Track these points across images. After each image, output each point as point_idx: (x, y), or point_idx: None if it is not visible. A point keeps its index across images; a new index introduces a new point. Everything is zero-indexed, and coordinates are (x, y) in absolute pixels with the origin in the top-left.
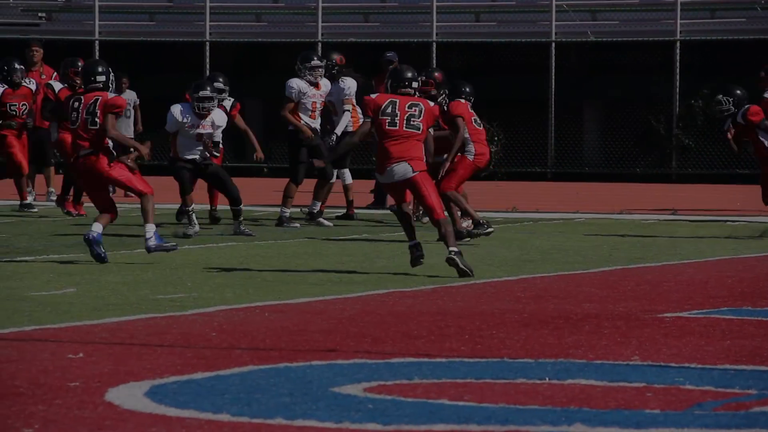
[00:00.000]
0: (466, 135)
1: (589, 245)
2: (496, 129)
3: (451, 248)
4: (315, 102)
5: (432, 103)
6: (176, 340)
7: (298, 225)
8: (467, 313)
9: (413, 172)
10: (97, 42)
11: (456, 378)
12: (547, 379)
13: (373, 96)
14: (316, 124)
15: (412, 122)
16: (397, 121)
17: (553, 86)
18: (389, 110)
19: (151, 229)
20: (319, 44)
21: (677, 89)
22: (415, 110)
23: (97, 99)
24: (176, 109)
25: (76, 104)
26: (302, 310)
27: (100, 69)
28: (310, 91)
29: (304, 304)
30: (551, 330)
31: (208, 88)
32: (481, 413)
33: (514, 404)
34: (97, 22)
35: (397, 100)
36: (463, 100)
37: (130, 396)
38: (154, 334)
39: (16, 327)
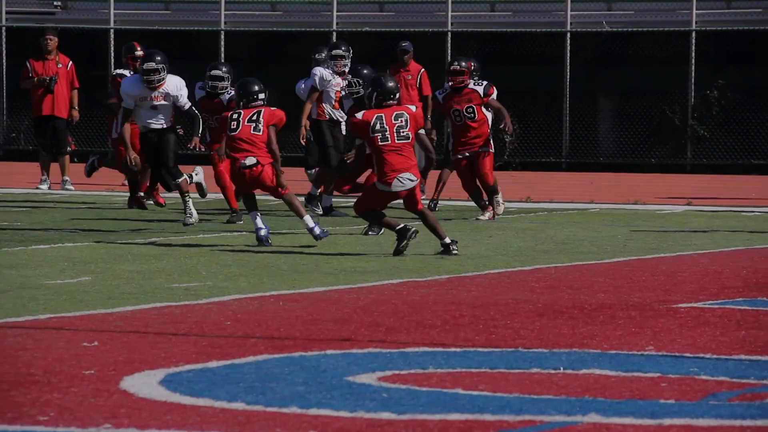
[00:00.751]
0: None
1: (603, 235)
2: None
3: (446, 239)
4: (339, 91)
5: (414, 108)
6: (191, 329)
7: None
8: (481, 303)
9: (416, 179)
10: (112, 30)
11: (470, 368)
12: (561, 369)
13: (359, 117)
14: (339, 114)
15: (401, 133)
16: (388, 136)
17: (568, 76)
18: (378, 126)
19: (309, 220)
20: (334, 34)
21: (692, 79)
22: (401, 120)
23: (260, 111)
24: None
25: (235, 116)
26: (316, 299)
27: (257, 88)
28: (334, 79)
29: (318, 294)
30: (566, 320)
31: (153, 62)
32: (496, 403)
33: (528, 394)
34: (112, 11)
35: (383, 114)
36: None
37: (144, 384)
38: (169, 323)
39: (31, 315)
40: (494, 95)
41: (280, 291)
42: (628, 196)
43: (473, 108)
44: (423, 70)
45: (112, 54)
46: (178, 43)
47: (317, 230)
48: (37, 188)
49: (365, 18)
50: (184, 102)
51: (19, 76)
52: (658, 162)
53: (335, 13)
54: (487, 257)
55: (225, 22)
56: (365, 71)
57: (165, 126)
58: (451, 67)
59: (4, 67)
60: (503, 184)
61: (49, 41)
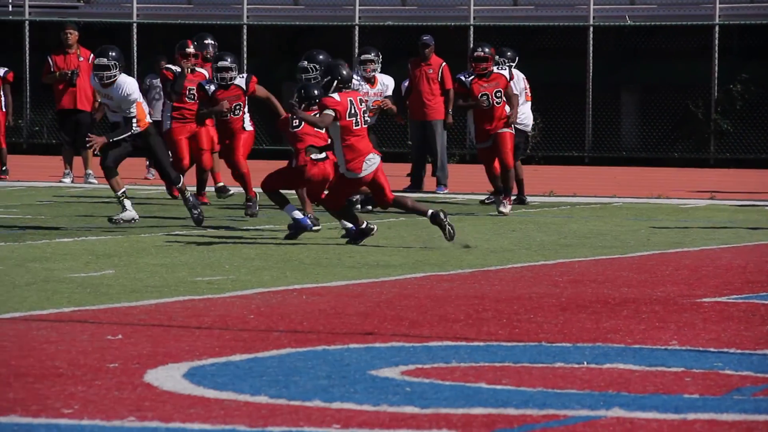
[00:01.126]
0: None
1: (626, 230)
2: (534, 113)
3: (429, 211)
4: (367, 101)
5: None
6: (214, 322)
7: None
8: (504, 297)
9: (379, 158)
10: (134, 25)
11: (494, 362)
12: (585, 363)
13: (337, 98)
14: (372, 122)
15: (365, 117)
16: (359, 120)
17: (591, 70)
18: (352, 111)
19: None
20: (356, 28)
21: (716, 73)
22: (363, 105)
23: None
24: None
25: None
26: (339, 293)
27: (317, 92)
28: (362, 87)
29: (341, 287)
30: (589, 314)
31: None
32: (519, 397)
33: (552, 388)
34: (135, 5)
35: (352, 99)
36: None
37: (168, 377)
38: (193, 316)
39: (55, 308)
40: (512, 83)
41: (303, 285)
42: (651, 191)
43: (501, 92)
44: (444, 63)
45: (135, 48)
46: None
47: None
48: (60, 182)
49: (387, 12)
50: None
51: (41, 71)
52: (681, 156)
53: (358, 8)
54: (510, 251)
55: (247, 16)
56: (321, 56)
57: None
58: (475, 54)
59: (27, 61)
60: (527, 177)
61: (69, 35)
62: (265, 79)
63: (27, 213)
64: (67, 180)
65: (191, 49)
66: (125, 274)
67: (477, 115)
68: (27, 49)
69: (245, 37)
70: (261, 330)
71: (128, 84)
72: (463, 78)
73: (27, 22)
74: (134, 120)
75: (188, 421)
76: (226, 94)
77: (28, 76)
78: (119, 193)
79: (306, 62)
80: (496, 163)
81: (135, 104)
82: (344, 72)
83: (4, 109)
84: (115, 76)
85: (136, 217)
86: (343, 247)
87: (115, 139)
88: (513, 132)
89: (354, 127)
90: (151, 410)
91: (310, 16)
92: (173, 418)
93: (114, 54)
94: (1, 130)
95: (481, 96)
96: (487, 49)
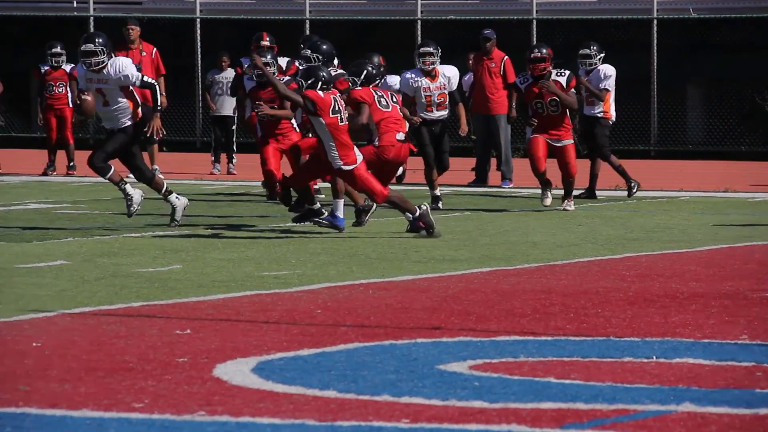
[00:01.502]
0: None
1: (693, 223)
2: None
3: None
4: (429, 96)
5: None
6: (282, 317)
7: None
8: (571, 292)
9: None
10: (198, 20)
11: (562, 356)
12: (654, 357)
13: (321, 96)
14: (440, 114)
15: (345, 115)
16: (343, 117)
17: (656, 63)
18: (337, 108)
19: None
20: (419, 22)
21: None
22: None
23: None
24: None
25: (382, 98)
26: (406, 287)
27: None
28: (422, 83)
29: (407, 282)
30: (657, 309)
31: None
32: (588, 392)
33: (621, 383)
34: (198, 0)
35: (337, 97)
36: None
37: (237, 372)
38: (260, 311)
39: (124, 303)
40: (573, 90)
41: (369, 279)
42: (718, 184)
43: (557, 101)
44: (506, 57)
45: (199, 44)
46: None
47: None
48: (127, 177)
49: (450, 6)
50: None
51: None
52: (748, 150)
53: (420, 2)
54: (577, 245)
55: (310, 12)
56: (325, 47)
57: None
58: (532, 55)
59: None
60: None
61: (131, 31)
62: None
63: (95, 209)
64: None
65: (266, 42)
66: (193, 269)
67: (535, 118)
68: None
69: (308, 31)
70: (328, 325)
71: (121, 60)
72: (519, 83)
73: (91, 18)
74: (147, 79)
75: (258, 416)
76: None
77: None
78: (120, 183)
79: (309, 52)
80: (541, 153)
81: (139, 74)
82: (325, 74)
83: (71, 105)
84: (104, 61)
85: (143, 194)
86: (409, 242)
87: (156, 115)
88: (574, 142)
89: (340, 124)
90: (220, 405)
91: (373, 10)
92: (243, 413)
93: (100, 40)
94: (68, 126)
95: (536, 103)
96: (544, 50)
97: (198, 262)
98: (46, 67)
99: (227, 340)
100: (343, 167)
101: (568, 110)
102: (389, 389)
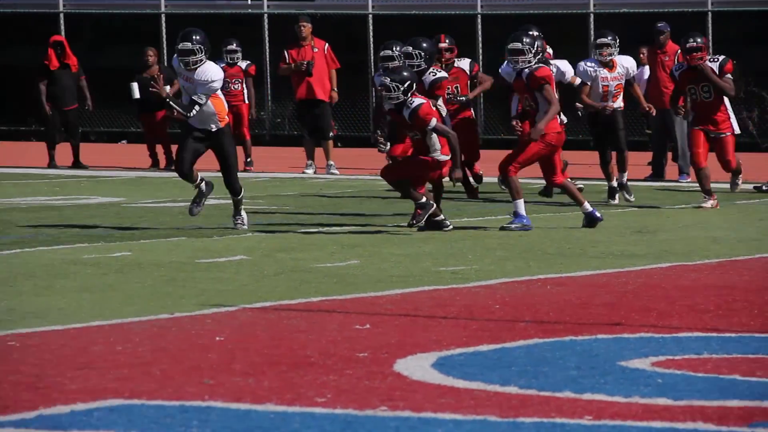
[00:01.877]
0: None
1: None
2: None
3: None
4: (607, 85)
5: None
6: (460, 312)
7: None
8: (755, 288)
9: None
10: (370, 16)
11: (747, 353)
12: None
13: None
14: (619, 105)
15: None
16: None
17: None
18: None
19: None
20: (591, 15)
21: None
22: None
23: None
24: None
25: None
26: (584, 283)
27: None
28: (600, 72)
29: (586, 277)
30: None
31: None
32: None
33: None
34: None
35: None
36: None
37: (417, 367)
38: (438, 306)
39: (303, 298)
40: (729, 74)
41: (547, 275)
42: None
43: (709, 86)
44: (680, 50)
45: (371, 40)
46: (432, 28)
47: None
48: (303, 173)
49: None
50: None
51: (278, 64)
52: None
53: None
54: (758, 240)
55: (481, 6)
56: (425, 44)
57: None
58: (687, 45)
59: (267, 54)
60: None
61: (302, 28)
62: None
63: (272, 204)
64: (310, 171)
65: (445, 44)
66: (370, 264)
67: (692, 106)
68: (266, 41)
69: (479, 26)
70: (507, 320)
71: (212, 71)
72: (674, 71)
73: (265, 15)
74: (196, 108)
75: (439, 411)
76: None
77: (268, 68)
78: (197, 182)
79: (411, 48)
80: (700, 148)
81: (210, 92)
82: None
83: (247, 102)
84: (201, 60)
85: (211, 184)
86: (586, 237)
87: (170, 103)
88: (733, 133)
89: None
90: (402, 400)
91: (543, 4)
92: (424, 408)
93: (198, 38)
94: (245, 122)
95: (690, 89)
96: (699, 39)
97: (375, 258)
98: (223, 65)
99: (407, 335)
100: (437, 157)
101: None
102: (571, 386)
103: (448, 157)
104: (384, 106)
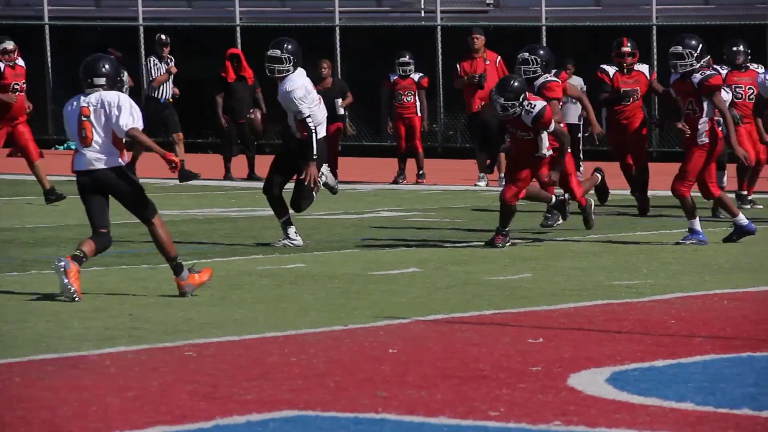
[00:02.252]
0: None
1: None
2: None
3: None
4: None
5: None
6: (634, 327)
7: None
8: None
9: None
10: (543, 28)
11: None
12: None
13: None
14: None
15: None
16: None
17: None
18: None
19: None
20: (654, 28)
21: None
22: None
23: None
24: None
25: None
26: (763, 298)
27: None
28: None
29: (764, 293)
30: None
31: (278, 50)
32: None
33: None
34: (543, 8)
35: None
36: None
37: (591, 382)
38: (612, 321)
39: (475, 311)
40: None
41: (723, 290)
42: None
43: None
44: None
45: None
46: (609, 38)
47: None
48: (475, 185)
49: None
50: None
51: (452, 76)
52: None
53: (654, 7)
54: None
55: (657, 17)
56: (542, 51)
57: None
58: None
59: (440, 66)
60: None
61: (475, 40)
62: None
63: (444, 216)
64: (482, 183)
65: (627, 48)
66: (543, 278)
67: None
68: (439, 54)
69: (654, 39)
70: (683, 335)
71: (293, 81)
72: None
73: (438, 27)
74: (309, 121)
75: (614, 427)
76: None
77: (441, 81)
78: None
79: (527, 54)
80: None
81: (302, 108)
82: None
83: (419, 114)
84: (288, 71)
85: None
86: (764, 252)
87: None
88: None
89: None
90: (576, 415)
91: (609, 17)
92: (599, 424)
93: (290, 47)
94: (417, 135)
95: None
96: None
97: (548, 271)
98: (395, 77)
99: (580, 349)
100: (544, 155)
101: None
102: (749, 403)
103: (551, 153)
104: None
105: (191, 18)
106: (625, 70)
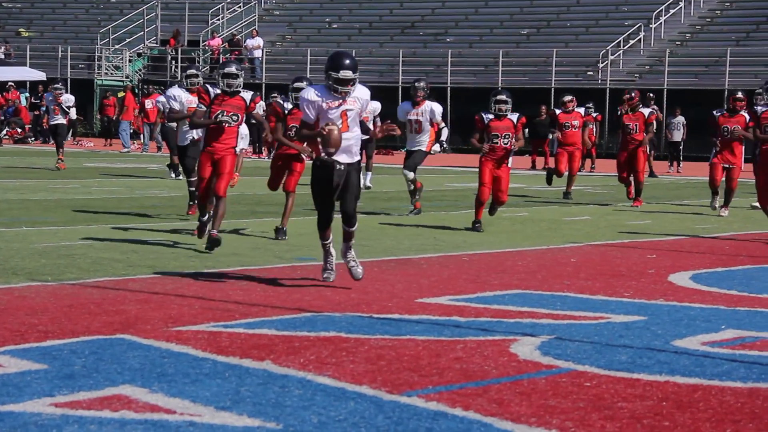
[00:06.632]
0: None
1: None
2: None
3: None
4: None
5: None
6: (705, 250)
7: None
8: None
9: None
10: None
11: None
12: None
13: None
14: None
15: None
16: None
17: None
18: None
19: None
20: None
21: None
22: None
23: None
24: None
25: None
26: None
27: None
28: None
29: None
30: None
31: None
32: None
33: None
34: None
35: None
36: None
37: (681, 279)
38: (693, 246)
39: (619, 240)
40: None
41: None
42: None
43: None
44: None
45: None
46: None
47: None
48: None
49: None
50: None
51: None
52: None
53: None
54: None
55: None
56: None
57: None
58: None
59: None
60: None
61: None
62: None
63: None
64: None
65: None
66: (657, 224)
67: None
68: None
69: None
70: (730, 255)
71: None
72: None
73: None
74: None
75: (691, 303)
76: None
77: None
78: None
79: None
80: None
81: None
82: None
83: None
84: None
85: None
86: None
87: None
88: None
89: None
90: (672, 296)
91: None
92: (683, 300)
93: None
94: None
95: None
96: None
97: (661, 220)
98: None
99: (675, 261)
100: None
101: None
102: None
103: None
104: None
105: None
106: None
